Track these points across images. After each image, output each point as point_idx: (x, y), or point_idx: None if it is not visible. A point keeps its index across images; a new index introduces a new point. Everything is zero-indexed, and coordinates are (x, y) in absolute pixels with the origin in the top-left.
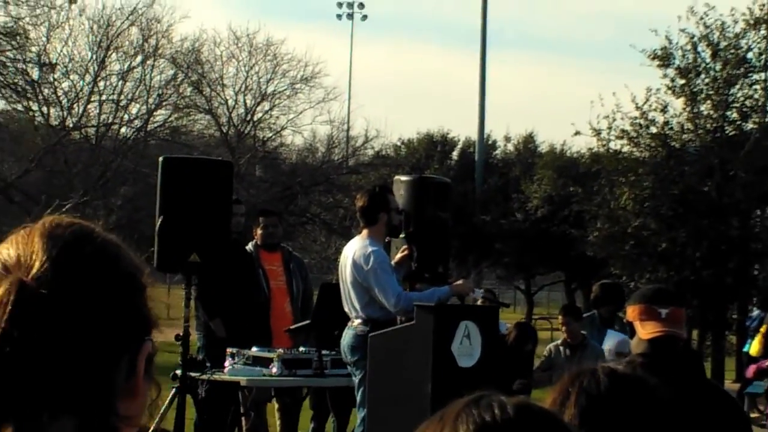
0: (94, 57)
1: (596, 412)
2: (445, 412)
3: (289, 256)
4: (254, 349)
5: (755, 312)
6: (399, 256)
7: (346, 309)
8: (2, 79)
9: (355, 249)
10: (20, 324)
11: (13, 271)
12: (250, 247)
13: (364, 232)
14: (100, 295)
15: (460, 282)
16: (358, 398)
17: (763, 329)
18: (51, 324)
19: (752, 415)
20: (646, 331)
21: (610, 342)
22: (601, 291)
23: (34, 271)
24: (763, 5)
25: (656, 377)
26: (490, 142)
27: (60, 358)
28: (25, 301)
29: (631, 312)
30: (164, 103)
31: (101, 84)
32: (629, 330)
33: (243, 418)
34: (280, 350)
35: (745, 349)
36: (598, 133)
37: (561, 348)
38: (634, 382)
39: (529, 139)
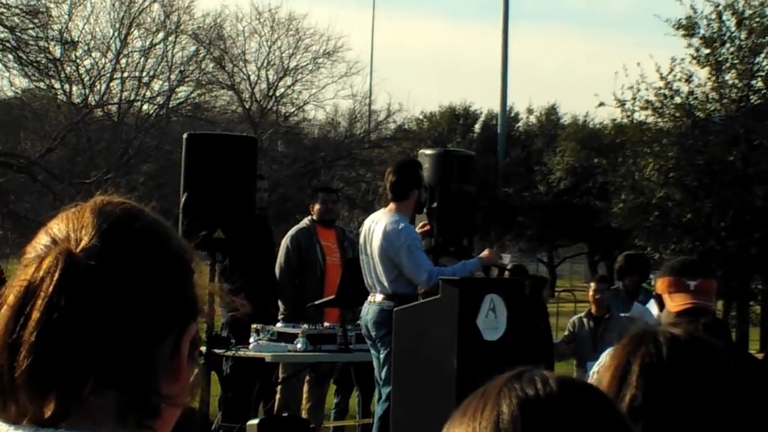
0: (116, 34)
1: (662, 382)
2: (487, 387)
3: (342, 234)
4: (279, 325)
5: None
6: (418, 231)
7: (369, 283)
8: (24, 58)
9: (385, 224)
10: (67, 293)
11: (62, 244)
12: (307, 221)
13: (392, 206)
14: (148, 271)
15: (486, 252)
16: (383, 375)
17: None
18: (97, 295)
19: None
20: (674, 303)
21: (635, 313)
22: (626, 262)
23: (83, 243)
24: None
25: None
26: (512, 114)
27: (104, 331)
28: (73, 271)
29: (660, 285)
30: (186, 80)
31: (123, 61)
32: (657, 303)
33: (278, 388)
34: (305, 326)
35: None
36: (622, 104)
37: (585, 320)
38: (701, 348)
39: (551, 111)
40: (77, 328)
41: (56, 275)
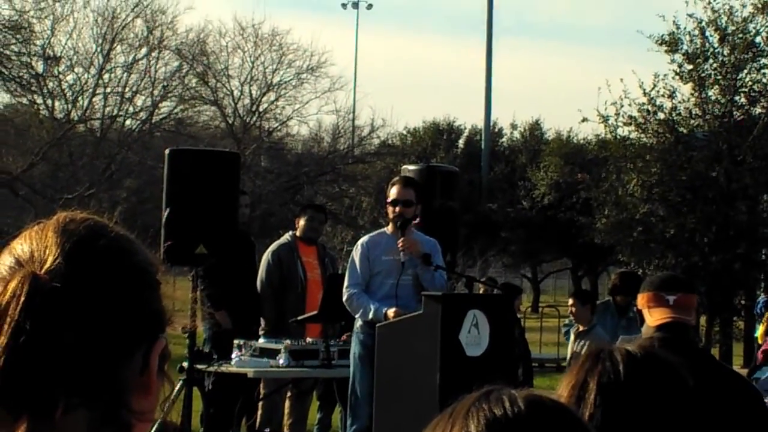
0: (99, 49)
1: (619, 400)
2: (455, 407)
3: (323, 251)
4: (261, 340)
5: (762, 297)
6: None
7: None
8: (7, 73)
9: None
10: (33, 316)
11: (27, 266)
12: (288, 237)
13: None
14: (113, 289)
15: (391, 312)
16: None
17: None
18: (64, 317)
19: None
20: (653, 318)
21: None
22: (619, 280)
23: (48, 265)
24: None
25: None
26: (496, 129)
27: (72, 352)
28: (38, 294)
29: (641, 300)
30: (169, 95)
31: (106, 76)
32: (638, 318)
33: (259, 404)
34: (288, 341)
35: (755, 335)
36: (605, 119)
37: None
38: (657, 364)
39: (535, 126)
40: (45, 351)
41: (22, 299)
